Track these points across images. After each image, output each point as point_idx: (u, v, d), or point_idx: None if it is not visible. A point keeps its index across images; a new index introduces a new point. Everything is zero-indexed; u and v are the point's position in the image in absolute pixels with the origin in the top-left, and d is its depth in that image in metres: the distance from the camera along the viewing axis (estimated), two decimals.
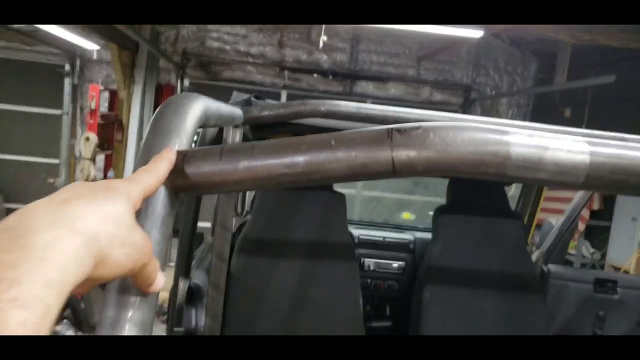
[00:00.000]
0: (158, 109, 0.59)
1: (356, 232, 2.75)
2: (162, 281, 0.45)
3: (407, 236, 2.79)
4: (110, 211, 0.39)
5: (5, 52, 6.47)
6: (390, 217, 6.92)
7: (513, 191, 3.40)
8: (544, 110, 7.14)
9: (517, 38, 6.80)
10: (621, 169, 0.47)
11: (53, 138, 6.67)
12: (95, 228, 0.36)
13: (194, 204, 1.56)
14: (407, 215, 5.60)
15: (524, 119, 7.42)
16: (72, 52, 6.48)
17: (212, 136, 1.51)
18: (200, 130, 1.46)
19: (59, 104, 6.63)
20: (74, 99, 6.65)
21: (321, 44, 5.00)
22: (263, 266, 1.98)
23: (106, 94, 6.34)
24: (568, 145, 0.47)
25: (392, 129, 0.48)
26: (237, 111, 1.22)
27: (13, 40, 6.32)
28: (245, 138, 1.84)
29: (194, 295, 1.68)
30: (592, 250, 5.66)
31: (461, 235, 2.23)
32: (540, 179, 0.47)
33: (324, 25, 4.37)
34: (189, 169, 0.49)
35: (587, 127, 4.71)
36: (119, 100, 6.39)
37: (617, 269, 5.21)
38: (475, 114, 7.34)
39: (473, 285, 2.14)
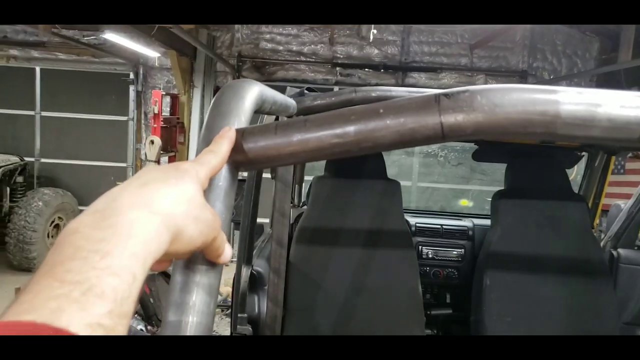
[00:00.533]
0: (218, 92, 0.64)
1: (413, 220, 2.74)
2: (229, 253, 0.49)
3: (465, 223, 2.75)
4: (183, 191, 0.42)
5: (76, 64, 6.97)
6: (448, 205, 6.79)
7: (575, 174, 3.26)
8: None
9: None
10: None
11: (120, 143, 7.09)
12: (170, 208, 0.40)
13: (253, 194, 1.63)
14: (464, 202, 5.49)
15: None
16: (135, 61, 6.86)
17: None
18: (259, 118, 1.53)
19: (125, 111, 7.04)
20: (138, 105, 7.04)
21: (371, 37, 5.00)
22: (321, 254, 2.02)
23: (168, 99, 6.66)
24: (621, 100, 0.47)
25: (439, 94, 0.50)
26: (292, 102, 1.27)
27: (83, 55, 6.79)
28: None
29: (256, 282, 1.75)
30: None
31: (521, 220, 2.18)
32: (593, 136, 0.48)
33: None
34: (247, 145, 0.53)
35: None
36: (179, 103, 6.69)
37: None
38: None
39: (535, 271, 2.09)
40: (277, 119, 1.49)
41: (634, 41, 5.14)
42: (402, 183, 2.25)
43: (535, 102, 0.47)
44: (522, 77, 6.95)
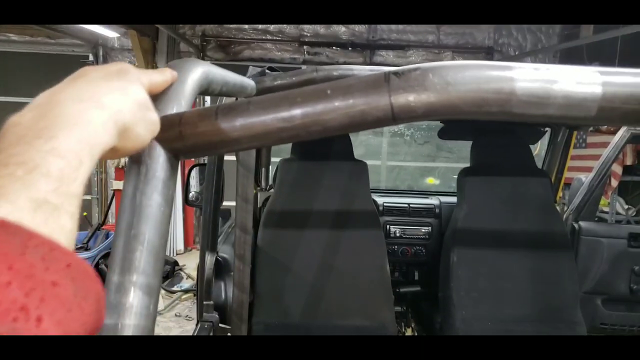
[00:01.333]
0: (161, 69, 0.59)
1: (380, 200, 2.74)
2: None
3: (432, 201, 2.77)
4: (129, 89, 0.43)
5: (31, 46, 6.63)
6: (415, 184, 6.86)
7: (538, 150, 3.32)
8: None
9: None
10: (638, 98, 0.45)
11: None
12: (119, 104, 0.40)
13: (215, 179, 1.58)
14: (431, 181, 5.54)
15: None
16: (94, 42, 6.58)
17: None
18: (218, 100, 1.48)
19: None
20: None
21: None
22: (288, 238, 2.00)
23: None
24: (578, 77, 0.45)
25: (389, 72, 0.47)
26: (249, 82, 1.22)
27: (37, 36, 6.46)
28: None
29: (221, 269, 1.72)
30: (626, 206, 5.50)
31: (487, 196, 2.21)
32: (550, 114, 0.45)
33: None
34: (187, 131, 0.49)
35: None
36: None
37: None
38: None
39: (501, 246, 2.13)
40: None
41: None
42: (372, 162, 2.24)
43: (490, 80, 0.44)
44: (488, 53, 7.00)
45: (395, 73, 0.46)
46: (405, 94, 0.45)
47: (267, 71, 1.64)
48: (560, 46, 6.66)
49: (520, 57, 6.98)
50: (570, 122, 0.48)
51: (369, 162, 2.18)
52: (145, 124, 0.44)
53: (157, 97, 0.55)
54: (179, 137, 0.49)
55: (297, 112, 0.48)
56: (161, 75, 0.51)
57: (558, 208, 2.41)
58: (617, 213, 5.42)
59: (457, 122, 2.36)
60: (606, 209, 5.41)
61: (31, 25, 5.81)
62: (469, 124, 2.34)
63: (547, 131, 2.51)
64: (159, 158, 0.48)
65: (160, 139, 0.49)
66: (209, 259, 1.60)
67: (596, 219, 5.55)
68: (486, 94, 0.44)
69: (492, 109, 0.45)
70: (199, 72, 0.63)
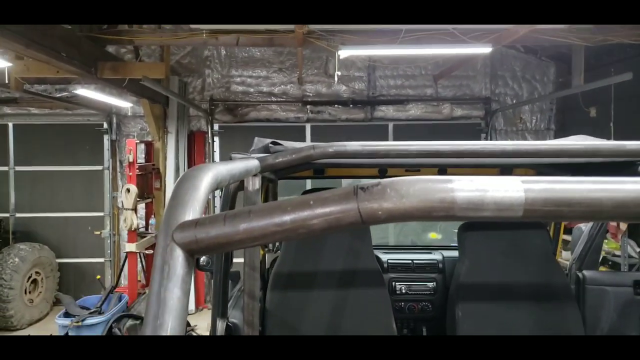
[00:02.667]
0: (176, 183, 0.73)
1: (384, 256, 2.82)
2: None
3: (435, 256, 2.85)
4: None
5: (49, 117, 7.00)
6: (418, 239, 6.90)
7: None
8: (569, 112, 7.07)
9: (531, 46, 6.82)
10: (553, 201, 0.57)
11: (97, 192, 7.07)
12: None
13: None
14: (434, 235, 5.60)
15: (548, 124, 7.36)
16: (108, 111, 6.92)
17: (235, 185, 1.66)
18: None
19: (100, 160, 7.05)
20: (113, 154, 7.07)
21: (336, 79, 5.18)
22: (296, 299, 2.09)
23: (142, 146, 6.71)
24: (505, 186, 0.57)
25: (357, 187, 0.60)
26: (254, 163, 1.37)
27: (55, 108, 6.83)
28: (267, 180, 1.99)
29: (232, 334, 1.80)
30: (638, 249, 5.47)
31: (487, 250, 2.28)
32: (485, 216, 0.57)
33: (337, 60, 4.55)
34: (200, 235, 0.61)
35: (614, 124, 4.63)
36: (154, 150, 6.74)
37: None
38: (498, 124, 7.33)
39: (503, 299, 2.18)
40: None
41: (585, 65, 5.43)
42: None
43: (435, 192, 0.57)
44: (486, 103, 7.23)
45: (362, 188, 0.59)
46: (370, 204, 0.58)
47: (270, 145, 1.80)
48: (554, 95, 6.87)
49: (517, 105, 7.20)
50: (503, 221, 0.60)
51: None
52: None
53: (176, 204, 0.68)
54: (195, 241, 0.61)
55: (287, 218, 0.61)
56: None
57: (566, 255, 2.46)
58: (630, 256, 5.39)
59: None
60: (618, 252, 5.38)
61: (49, 100, 6.17)
62: None
63: None
64: (179, 258, 0.60)
65: (179, 242, 0.61)
66: (220, 325, 1.69)
67: (610, 263, 5.52)
68: (432, 203, 0.57)
69: (439, 214, 0.57)
70: (209, 177, 0.77)
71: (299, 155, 1.52)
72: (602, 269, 5.55)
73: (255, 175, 1.50)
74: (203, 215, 0.67)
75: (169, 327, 0.55)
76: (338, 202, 0.60)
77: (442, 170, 2.15)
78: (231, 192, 1.64)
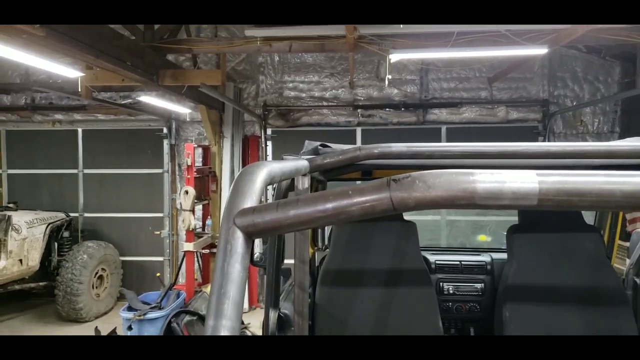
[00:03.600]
0: (237, 176, 0.83)
1: (432, 257, 2.84)
2: None
3: (483, 258, 2.84)
4: None
5: (114, 123, 7.48)
6: (467, 240, 6.79)
7: None
8: (636, 114, 6.72)
9: (594, 45, 6.55)
10: (565, 191, 0.62)
11: (157, 194, 7.46)
12: None
13: (277, 244, 1.80)
14: (483, 238, 5.50)
15: (612, 127, 7.03)
16: (168, 116, 7.30)
17: (287, 183, 1.76)
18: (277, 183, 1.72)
19: (160, 164, 7.45)
20: (172, 158, 7.44)
21: (387, 82, 5.22)
22: (344, 295, 2.16)
23: (200, 150, 7.02)
24: (521, 178, 0.63)
25: (390, 179, 0.67)
26: (303, 163, 1.46)
27: (120, 114, 7.29)
28: (317, 180, 2.08)
29: (283, 324, 1.90)
30: None
31: (536, 252, 2.27)
32: (504, 204, 0.63)
33: (387, 64, 4.60)
34: (257, 219, 0.71)
35: None
36: (211, 154, 7.04)
37: None
38: (557, 127, 7.08)
39: (552, 302, 2.16)
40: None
41: None
42: (431, 218, 2.36)
43: (458, 183, 0.63)
44: (544, 105, 7.01)
45: (394, 179, 0.66)
46: (400, 193, 0.65)
47: (319, 147, 1.88)
48: (618, 96, 6.57)
49: (577, 107, 6.93)
50: (520, 209, 0.65)
51: (428, 217, 2.32)
52: None
53: (236, 194, 0.78)
54: (252, 224, 0.71)
55: (329, 205, 0.69)
56: None
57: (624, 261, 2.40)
58: None
59: None
60: None
61: (114, 106, 6.60)
62: None
63: None
64: (239, 239, 0.70)
65: (239, 225, 0.71)
66: (272, 315, 1.79)
67: None
68: (456, 193, 0.63)
69: (461, 202, 0.63)
70: (264, 172, 0.87)
71: (345, 156, 1.60)
72: None
73: (304, 175, 1.59)
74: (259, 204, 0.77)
75: (231, 295, 0.64)
76: (373, 192, 0.67)
77: None
78: (283, 190, 1.74)
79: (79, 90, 5.27)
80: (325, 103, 7.32)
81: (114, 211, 7.50)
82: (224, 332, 0.61)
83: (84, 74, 4.69)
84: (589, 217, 2.55)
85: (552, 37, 4.44)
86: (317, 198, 0.70)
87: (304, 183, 1.59)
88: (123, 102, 6.96)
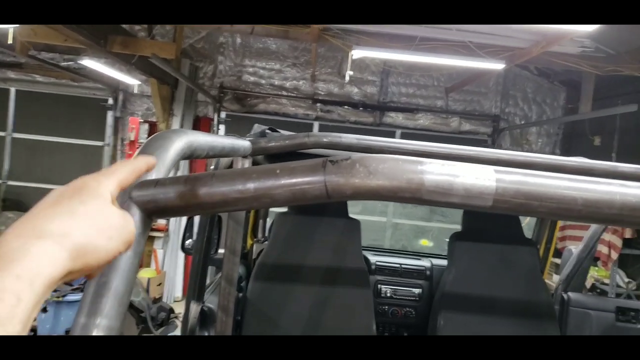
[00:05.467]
0: (146, 141, 0.70)
1: (373, 258, 2.79)
2: None
3: (423, 263, 2.82)
4: (78, 207, 0.43)
5: (54, 87, 6.96)
6: (409, 244, 6.87)
7: (528, 220, 3.37)
8: (575, 139, 7.02)
9: (544, 69, 6.78)
10: (524, 193, 0.53)
11: (95, 168, 6.95)
12: (64, 227, 0.41)
13: (206, 232, 1.66)
14: (425, 242, 5.57)
15: (554, 148, 7.31)
16: (115, 87, 6.90)
17: (226, 165, 1.63)
18: (215, 161, 1.59)
19: (101, 136, 7.03)
20: (115, 131, 7.04)
21: (347, 78, 5.15)
22: (278, 292, 2.05)
23: (146, 126, 6.69)
24: (476, 173, 0.54)
25: (326, 159, 0.56)
26: (243, 143, 1.34)
27: (62, 78, 6.81)
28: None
29: (207, 320, 1.77)
30: (626, 279, 5.43)
31: (475, 262, 2.26)
32: (453, 202, 0.54)
33: (350, 60, 4.52)
34: (158, 195, 0.57)
35: (617, 154, 4.60)
36: (158, 131, 6.72)
37: None
38: (505, 143, 7.29)
39: (486, 312, 2.15)
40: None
41: (595, 94, 5.40)
42: (377, 219, 2.31)
43: (404, 172, 0.53)
44: (495, 121, 7.19)
45: (331, 161, 0.56)
46: (337, 178, 0.55)
47: (267, 131, 1.76)
48: (563, 119, 6.84)
49: (525, 126, 7.16)
50: (472, 209, 0.56)
51: (374, 218, 2.26)
52: (107, 234, 0.43)
53: None
54: (153, 200, 0.58)
55: (251, 185, 0.57)
56: (131, 170, 0.52)
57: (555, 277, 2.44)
58: (618, 286, 5.36)
59: None
60: (607, 280, 5.35)
61: (55, 69, 6.14)
62: None
63: None
64: (134, 216, 0.56)
65: (136, 200, 0.58)
66: (194, 309, 1.66)
67: (598, 290, 5.49)
68: (400, 183, 0.53)
69: (405, 195, 0.54)
70: (182, 142, 0.73)
71: (292, 141, 1.49)
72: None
73: (245, 157, 1.47)
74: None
75: (113, 287, 0.51)
76: (305, 174, 0.56)
77: None
78: None
79: (10, 42, 4.76)
80: (284, 93, 7.17)
81: (44, 182, 7.00)
82: (97, 332, 0.48)
83: (17, 26, 4.27)
84: (527, 231, 2.57)
85: (509, 54, 4.52)
86: (237, 175, 0.58)
87: (244, 165, 1.47)
88: (66, 64, 6.49)
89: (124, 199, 0.57)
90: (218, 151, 1.01)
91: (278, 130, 1.80)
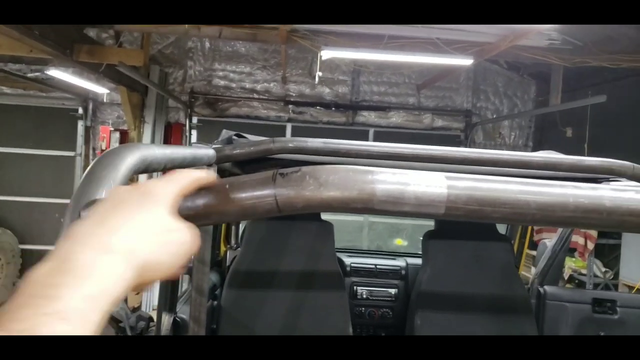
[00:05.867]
0: (96, 159, 0.67)
1: (348, 260, 2.79)
2: None
3: (398, 263, 2.82)
4: (145, 219, 0.42)
5: (22, 99, 6.78)
6: (384, 243, 6.89)
7: None
8: (547, 130, 7.17)
9: (514, 63, 6.90)
10: (476, 199, 0.53)
11: (66, 179, 6.88)
12: (131, 241, 0.39)
13: None
14: (399, 242, 5.61)
15: (527, 141, 7.45)
16: (84, 96, 6.75)
17: None
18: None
19: (72, 146, 6.87)
20: (86, 141, 6.89)
21: (317, 79, 5.15)
22: (252, 299, 2.03)
23: (117, 135, 6.56)
24: (427, 181, 0.53)
25: (276, 172, 0.55)
26: (207, 152, 1.31)
27: (30, 89, 6.63)
28: (230, 174, 1.94)
29: (179, 330, 1.73)
30: (603, 269, 5.56)
31: (450, 259, 2.27)
32: (405, 211, 0.53)
33: (319, 61, 4.52)
34: None
35: (589, 145, 4.70)
36: (129, 139, 6.60)
37: (630, 287, 5.11)
38: (478, 138, 7.39)
39: (463, 309, 2.17)
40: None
41: (565, 86, 5.51)
42: (354, 218, 2.30)
43: (354, 182, 0.53)
44: (467, 116, 7.28)
45: (281, 173, 0.55)
46: (287, 191, 0.54)
47: (234, 137, 1.74)
48: (534, 112, 6.97)
49: (497, 120, 7.27)
50: (425, 218, 0.56)
51: (350, 218, 2.25)
52: (170, 250, 0.42)
53: (89, 181, 0.62)
54: None
55: (200, 202, 0.56)
56: (194, 179, 0.51)
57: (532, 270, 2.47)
58: (595, 276, 5.48)
59: None
60: (584, 271, 5.47)
61: (23, 79, 5.98)
62: None
63: None
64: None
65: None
66: (166, 320, 1.62)
67: (576, 281, 5.61)
68: (352, 194, 0.52)
69: (357, 206, 0.53)
70: (134, 157, 0.71)
71: (257, 148, 1.47)
72: (568, 286, 5.62)
73: (209, 165, 1.44)
74: None
75: None
76: (255, 188, 0.55)
77: None
78: None
79: None
80: (256, 95, 7.13)
81: (15, 194, 6.81)
82: None
83: None
84: (501, 225, 2.60)
85: (477, 49, 4.58)
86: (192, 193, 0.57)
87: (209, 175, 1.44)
88: (34, 75, 6.33)
89: (73, 219, 0.56)
90: (178, 163, 0.99)
91: (245, 135, 1.77)
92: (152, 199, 0.45)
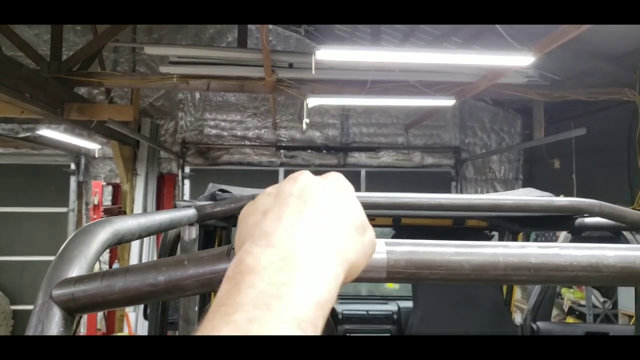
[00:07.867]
0: (69, 238, 0.70)
1: (340, 307, 2.77)
2: None
3: (390, 307, 2.81)
4: (354, 221, 0.40)
5: (15, 157, 6.84)
6: (375, 287, 6.81)
7: None
8: (536, 163, 7.27)
9: (498, 98, 7.08)
10: (414, 263, 0.56)
11: (60, 235, 6.84)
12: (346, 245, 0.38)
13: (157, 309, 1.62)
14: (390, 285, 5.56)
15: (517, 174, 7.53)
16: (76, 152, 6.83)
17: (176, 233, 1.63)
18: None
19: (65, 202, 6.89)
20: (79, 196, 6.92)
21: (304, 126, 5.26)
22: None
23: (109, 189, 6.60)
24: None
25: (230, 247, 0.58)
26: (187, 213, 1.35)
27: (22, 147, 6.71)
28: (215, 227, 1.96)
29: None
30: (602, 299, 5.51)
31: (439, 300, 2.27)
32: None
33: (305, 108, 4.64)
34: (77, 293, 0.58)
35: (577, 175, 4.72)
36: (122, 192, 6.64)
37: (630, 317, 5.05)
38: (468, 173, 7.47)
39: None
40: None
41: (548, 119, 5.65)
42: None
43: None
44: (456, 152, 7.39)
45: (234, 248, 0.58)
46: None
47: (217, 193, 1.78)
48: (521, 146, 7.08)
49: (486, 155, 7.38)
50: (369, 282, 0.58)
51: None
52: (366, 252, 0.41)
53: (61, 260, 0.65)
54: (72, 299, 0.58)
55: (161, 278, 0.58)
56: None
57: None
58: (594, 306, 5.43)
59: (406, 227, 2.48)
60: (583, 302, 5.42)
61: (14, 139, 6.07)
62: (418, 229, 2.46)
63: (494, 235, 2.64)
64: (55, 317, 0.56)
65: (57, 299, 0.58)
66: None
67: (576, 313, 5.54)
68: None
69: None
70: (106, 233, 0.74)
71: (237, 204, 1.50)
72: (569, 319, 5.56)
73: (191, 224, 1.47)
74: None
75: None
76: (211, 263, 0.58)
77: (396, 220, 2.16)
78: (170, 241, 1.60)
79: None
80: (247, 142, 7.23)
81: (7, 254, 6.76)
82: None
83: None
84: None
85: (458, 89, 4.71)
86: (148, 268, 0.60)
87: (190, 234, 1.47)
88: (25, 135, 6.42)
89: (45, 299, 0.58)
90: (155, 229, 1.02)
91: (229, 191, 1.81)
92: (351, 195, 0.42)
